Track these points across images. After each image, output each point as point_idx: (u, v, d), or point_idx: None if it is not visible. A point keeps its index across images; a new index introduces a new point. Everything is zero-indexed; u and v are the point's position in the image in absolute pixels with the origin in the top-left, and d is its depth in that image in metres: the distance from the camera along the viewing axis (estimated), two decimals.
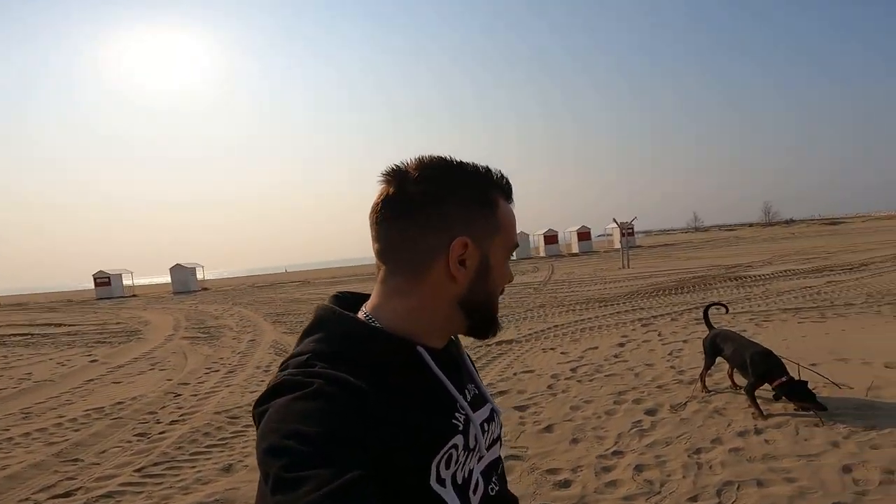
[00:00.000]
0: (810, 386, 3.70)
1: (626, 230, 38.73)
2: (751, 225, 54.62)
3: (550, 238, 38.96)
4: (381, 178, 0.68)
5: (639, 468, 3.23)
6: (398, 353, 0.65)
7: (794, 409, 3.76)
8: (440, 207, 0.66)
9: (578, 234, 39.79)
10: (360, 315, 0.69)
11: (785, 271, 12.96)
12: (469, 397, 0.75)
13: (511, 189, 0.74)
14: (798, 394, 3.63)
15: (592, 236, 40.83)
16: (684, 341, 6.57)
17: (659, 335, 7.13)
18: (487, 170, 0.72)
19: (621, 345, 6.82)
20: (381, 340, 0.66)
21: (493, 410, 0.80)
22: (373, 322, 0.68)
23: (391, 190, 0.67)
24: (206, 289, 31.45)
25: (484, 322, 0.73)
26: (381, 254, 0.69)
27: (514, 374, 5.92)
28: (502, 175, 0.73)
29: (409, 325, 0.68)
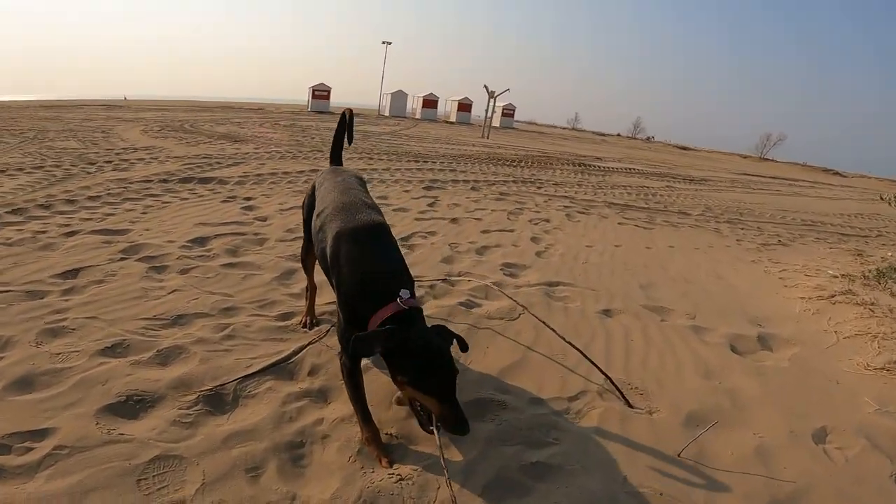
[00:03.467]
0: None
1: (507, 111, 36.98)
2: (618, 135, 56.74)
3: (429, 102, 35.30)
4: None
5: None
6: None
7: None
8: None
9: (459, 104, 36.65)
10: None
11: (629, 169, 11.71)
12: None
13: None
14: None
15: (473, 110, 38.08)
16: (457, 216, 4.26)
17: (442, 202, 4.74)
18: None
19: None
20: None
21: None
22: None
23: None
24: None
25: None
26: None
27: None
28: None
29: None
